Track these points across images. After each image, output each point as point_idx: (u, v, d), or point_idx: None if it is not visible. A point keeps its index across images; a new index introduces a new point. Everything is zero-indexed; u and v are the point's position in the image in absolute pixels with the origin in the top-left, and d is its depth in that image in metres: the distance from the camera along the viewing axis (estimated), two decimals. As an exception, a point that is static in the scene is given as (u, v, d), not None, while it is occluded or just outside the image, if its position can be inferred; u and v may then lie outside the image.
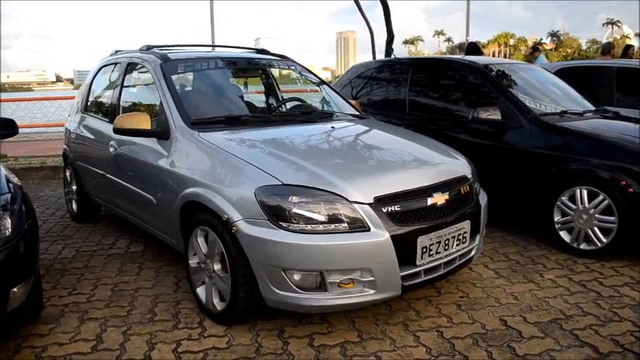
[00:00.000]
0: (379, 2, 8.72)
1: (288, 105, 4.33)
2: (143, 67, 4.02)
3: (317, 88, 4.53)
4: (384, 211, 2.66)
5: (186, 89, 3.76)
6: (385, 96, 5.70)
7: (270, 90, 4.63)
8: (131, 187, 3.79)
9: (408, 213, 2.73)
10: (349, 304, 2.68)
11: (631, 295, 3.39)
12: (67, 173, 5.32)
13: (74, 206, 5.24)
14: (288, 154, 2.94)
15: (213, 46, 4.77)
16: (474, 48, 10.15)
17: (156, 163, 3.40)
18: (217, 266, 2.88)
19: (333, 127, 3.60)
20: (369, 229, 2.60)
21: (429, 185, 2.89)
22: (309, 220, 2.57)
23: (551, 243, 4.27)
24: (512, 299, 3.33)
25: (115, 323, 3.02)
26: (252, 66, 4.39)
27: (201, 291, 3.09)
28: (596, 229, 3.96)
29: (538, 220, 4.36)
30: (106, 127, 4.28)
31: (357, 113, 4.19)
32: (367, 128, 3.78)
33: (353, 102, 4.52)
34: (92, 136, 4.59)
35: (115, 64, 4.63)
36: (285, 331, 2.89)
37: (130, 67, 4.29)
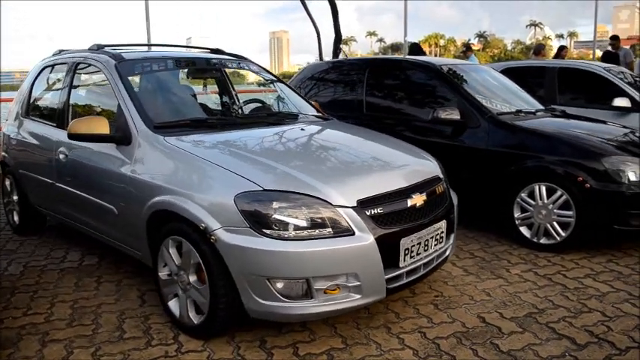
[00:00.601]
0: (320, 2, 8.72)
1: (251, 106, 4.20)
2: (94, 67, 3.79)
3: (274, 88, 4.44)
4: (367, 214, 2.61)
5: (144, 91, 3.55)
6: (341, 96, 5.67)
7: (228, 91, 4.48)
8: (86, 196, 3.55)
9: (390, 215, 2.70)
10: (335, 311, 2.61)
11: (594, 286, 3.51)
12: (7, 182, 4.95)
13: (15, 217, 4.88)
14: (264, 158, 2.84)
15: (165, 45, 4.57)
16: (416, 48, 10.33)
17: (116, 170, 3.19)
18: (193, 277, 2.74)
19: (302, 129, 3.52)
20: (353, 233, 2.54)
21: (408, 186, 2.87)
22: (293, 227, 2.48)
23: (511, 239, 4.37)
24: (485, 296, 3.37)
25: (81, 344, 2.81)
26: (210, 66, 4.23)
27: (173, 304, 2.92)
28: (555, 223, 4.09)
29: (498, 217, 4.46)
30: (54, 133, 4.01)
31: (321, 114, 4.13)
32: (336, 130, 3.73)
33: (313, 103, 4.46)
34: (37, 142, 4.28)
35: (60, 64, 4.35)
36: (267, 342, 2.78)
37: (78, 67, 4.03)
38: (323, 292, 2.52)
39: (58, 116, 4.04)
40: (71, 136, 3.21)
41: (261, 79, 4.51)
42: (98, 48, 3.95)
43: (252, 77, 4.46)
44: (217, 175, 2.68)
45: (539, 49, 10.01)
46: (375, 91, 5.36)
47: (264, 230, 2.46)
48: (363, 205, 2.62)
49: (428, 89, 5.07)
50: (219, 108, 3.92)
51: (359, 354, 2.67)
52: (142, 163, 3.06)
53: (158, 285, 3.03)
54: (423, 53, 10.48)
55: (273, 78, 4.50)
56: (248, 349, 2.73)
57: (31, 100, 4.64)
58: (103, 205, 3.37)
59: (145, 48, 4.33)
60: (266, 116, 3.86)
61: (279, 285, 2.50)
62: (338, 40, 8.14)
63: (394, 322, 3.02)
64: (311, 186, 2.58)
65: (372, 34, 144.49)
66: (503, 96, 5.20)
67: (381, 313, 3.11)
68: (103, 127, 3.19)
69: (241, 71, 4.50)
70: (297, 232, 2.48)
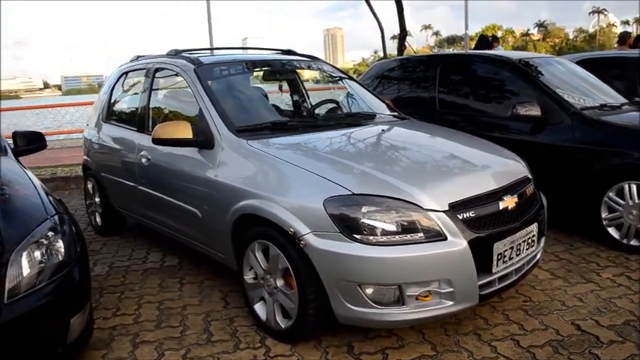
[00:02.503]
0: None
1: (327, 108, 4.16)
2: (173, 72, 3.86)
3: (345, 85, 4.39)
4: (460, 217, 2.52)
5: (223, 95, 3.58)
6: (412, 94, 5.55)
7: (302, 92, 4.48)
8: (169, 199, 3.63)
9: (482, 218, 2.60)
10: (426, 318, 2.54)
11: (697, 292, 3.28)
12: (89, 185, 5.14)
13: (98, 219, 5.06)
14: (350, 161, 2.79)
15: (237, 48, 4.61)
16: (485, 40, 9.98)
17: (200, 175, 3.24)
18: (280, 282, 2.73)
19: (383, 130, 3.46)
20: (445, 238, 2.46)
21: (499, 188, 2.76)
22: (384, 231, 2.43)
23: (598, 240, 4.15)
24: (577, 301, 3.21)
25: (171, 346, 2.86)
26: (285, 68, 4.22)
27: (260, 308, 2.93)
28: (647, 224, 3.85)
29: (583, 217, 4.24)
30: (135, 137, 4.12)
31: (397, 114, 4.05)
32: (416, 130, 3.64)
33: (387, 101, 4.39)
34: (118, 146, 4.41)
35: (138, 70, 4.46)
36: (355, 347, 2.74)
37: (158, 73, 4.12)
38: (415, 299, 2.46)
39: (138, 121, 4.15)
40: (155, 141, 3.27)
41: (334, 78, 4.47)
42: (176, 53, 4.03)
43: (325, 76, 4.41)
44: (305, 178, 2.66)
45: (624, 37, 9.42)
46: (448, 87, 5.22)
47: (354, 235, 2.42)
48: (454, 208, 2.53)
49: (505, 85, 4.88)
50: (295, 109, 3.91)
51: (452, 362, 2.60)
52: (225, 167, 3.08)
53: (244, 288, 3.05)
54: (491, 46, 10.09)
55: (346, 77, 4.45)
56: (336, 354, 2.70)
57: (111, 106, 4.80)
58: (186, 209, 3.43)
59: (220, 52, 4.38)
60: (344, 117, 3.82)
61: (370, 291, 2.45)
62: (403, 36, 8.00)
63: (484, 328, 2.91)
64: (401, 189, 2.52)
65: (427, 27, 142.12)
66: (584, 89, 4.95)
67: (469, 318, 3.02)
68: (186, 131, 3.23)
69: (315, 71, 4.46)
70: (389, 237, 2.42)
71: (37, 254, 2.30)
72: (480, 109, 4.99)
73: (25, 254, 2.25)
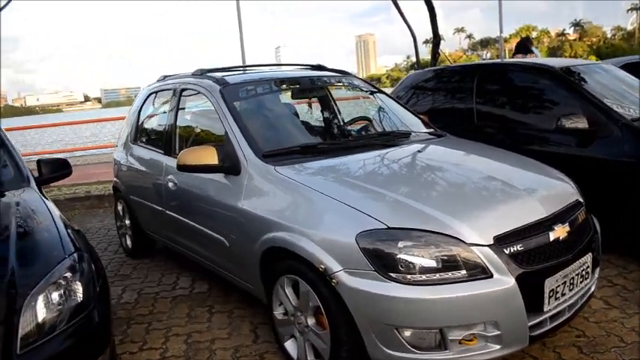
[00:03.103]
0: (407, 2, 8.42)
1: (357, 124, 3.97)
2: (199, 93, 3.75)
3: (374, 97, 4.19)
4: (506, 252, 2.29)
5: (250, 117, 3.44)
6: (448, 105, 5.32)
7: (333, 110, 4.29)
8: (197, 226, 3.50)
9: (531, 252, 2.36)
10: (471, 363, 2.32)
11: None
12: (119, 207, 5.08)
13: (128, 242, 5.00)
14: (384, 189, 2.59)
15: (265, 65, 4.48)
16: (524, 44, 9.59)
17: (227, 202, 3.10)
18: (311, 321, 2.55)
19: (418, 150, 3.24)
20: (491, 276, 2.24)
21: (548, 216, 2.52)
22: (423, 269, 2.22)
23: (655, 262, 3.84)
24: (635, 336, 2.93)
25: (198, 386, 2.72)
26: (314, 85, 4.05)
27: (290, 346, 2.76)
28: None
29: (636, 238, 3.92)
30: (162, 160, 4.02)
31: (433, 130, 3.83)
32: (455, 149, 3.42)
33: (422, 117, 4.18)
34: (146, 169, 4.33)
35: (165, 90, 4.38)
36: (392, 391, 2.54)
37: (184, 93, 4.02)
38: (458, 343, 2.24)
39: (165, 143, 4.05)
40: (180, 168, 3.15)
41: (365, 93, 4.29)
42: (202, 73, 3.91)
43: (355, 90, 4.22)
44: (336, 209, 2.48)
45: None
46: (486, 99, 4.96)
47: (390, 274, 2.22)
48: (500, 241, 2.31)
49: (547, 95, 4.60)
50: (326, 129, 3.73)
51: (500, 411, 2.36)
52: (252, 195, 2.93)
53: (273, 323, 2.89)
54: (530, 51, 9.66)
55: (380, 92, 4.25)
56: (373, 399, 2.50)
57: (139, 127, 4.73)
58: (214, 237, 3.30)
59: (246, 70, 4.25)
60: (377, 136, 3.60)
61: (409, 334, 2.25)
62: (437, 42, 7.75)
63: (534, 368, 2.67)
64: (440, 221, 2.31)
65: (460, 30, 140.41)
66: (633, 98, 4.62)
67: (517, 357, 2.77)
68: (211, 157, 3.10)
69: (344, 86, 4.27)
70: (428, 275, 2.21)
71: (55, 296, 2.18)
72: (520, 121, 4.71)
73: (41, 297, 2.13)
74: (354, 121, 4.01)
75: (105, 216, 7.07)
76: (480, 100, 5.00)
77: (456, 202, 2.52)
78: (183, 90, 4.00)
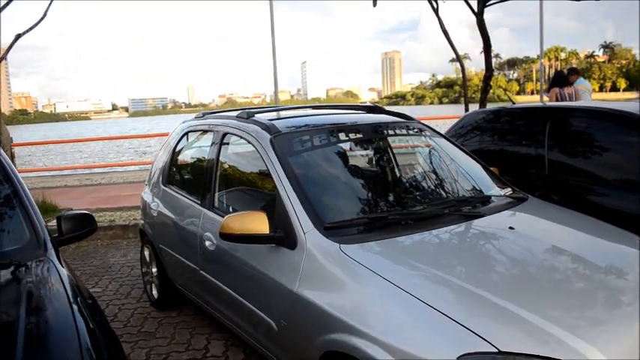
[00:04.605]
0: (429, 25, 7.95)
1: (424, 179, 3.39)
2: (245, 140, 3.26)
3: (434, 144, 3.61)
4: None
5: (307, 175, 2.92)
6: (512, 152, 4.76)
7: (394, 164, 3.72)
8: (239, 298, 3.00)
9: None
10: None
11: None
12: (146, 252, 4.62)
13: (154, 291, 4.52)
14: (483, 289, 2.05)
15: (316, 107, 4.04)
16: (560, 77, 8.91)
17: (279, 280, 2.58)
18: None
19: (510, 227, 2.66)
20: None
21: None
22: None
23: None
24: None
25: None
26: (376, 133, 3.53)
27: None
28: None
29: None
30: (198, 212, 3.54)
31: (511, 191, 3.28)
32: (553, 224, 2.85)
33: (493, 169, 3.62)
34: (179, 219, 3.85)
35: (205, 131, 3.92)
36: None
37: (226, 138, 3.54)
38: None
39: (203, 193, 3.57)
40: (224, 237, 2.65)
41: (428, 141, 3.70)
42: (247, 117, 3.41)
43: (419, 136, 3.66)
44: (425, 317, 1.95)
45: None
46: (561, 146, 4.38)
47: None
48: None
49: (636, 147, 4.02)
50: (392, 190, 3.15)
51: None
52: (312, 279, 2.41)
53: None
54: (569, 83, 8.89)
55: (447, 142, 3.69)
56: None
57: (172, 168, 4.27)
58: (259, 315, 2.79)
59: (296, 112, 3.76)
60: (454, 203, 3.02)
61: None
62: (489, 76, 7.20)
63: None
64: (564, 343, 1.76)
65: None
66: None
67: None
68: (261, 224, 2.60)
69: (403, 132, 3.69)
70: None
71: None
72: (601, 177, 4.13)
73: None
74: (418, 179, 3.42)
75: (128, 249, 6.64)
76: (552, 147, 4.43)
77: (576, 310, 1.97)
78: (225, 134, 3.52)
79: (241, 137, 3.30)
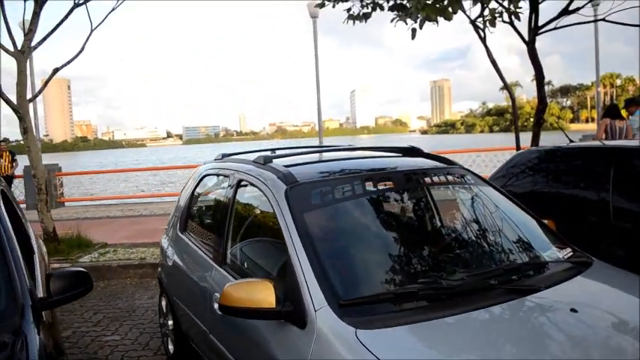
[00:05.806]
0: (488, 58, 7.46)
1: (467, 239, 2.86)
2: (258, 188, 2.87)
3: (478, 192, 3.07)
4: None
5: (323, 237, 2.49)
6: (569, 195, 4.20)
7: (433, 218, 3.13)
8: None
9: None
10: None
11: None
12: (163, 302, 4.28)
13: (170, 346, 4.15)
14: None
15: (340, 150, 3.62)
16: (614, 109, 8.37)
17: (285, 362, 2.15)
18: None
19: (574, 310, 2.12)
20: None
21: None
22: None
23: None
24: None
25: None
26: (412, 183, 3.06)
27: None
28: None
29: None
30: (209, 267, 3.17)
31: (572, 253, 2.73)
32: (633, 301, 2.30)
33: (547, 222, 3.08)
34: (191, 273, 3.49)
35: (222, 175, 3.57)
36: None
37: (241, 185, 3.17)
38: None
39: (214, 247, 3.20)
40: (223, 309, 2.26)
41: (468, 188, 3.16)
42: (265, 162, 3.01)
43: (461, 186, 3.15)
44: None
45: None
46: (629, 191, 3.80)
47: None
48: None
49: None
50: (428, 254, 2.61)
51: None
52: (322, 366, 1.96)
53: None
54: (621, 116, 8.26)
55: (494, 191, 3.16)
56: None
57: (189, 214, 3.93)
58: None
59: (322, 155, 3.37)
60: (502, 272, 2.45)
61: None
62: (542, 109, 6.62)
63: None
64: None
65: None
66: None
67: None
68: (266, 295, 2.19)
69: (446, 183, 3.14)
70: None
71: None
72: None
73: None
74: (461, 240, 2.86)
75: (156, 290, 6.32)
76: (618, 191, 3.85)
77: None
78: (240, 181, 3.15)
79: (255, 186, 2.92)
